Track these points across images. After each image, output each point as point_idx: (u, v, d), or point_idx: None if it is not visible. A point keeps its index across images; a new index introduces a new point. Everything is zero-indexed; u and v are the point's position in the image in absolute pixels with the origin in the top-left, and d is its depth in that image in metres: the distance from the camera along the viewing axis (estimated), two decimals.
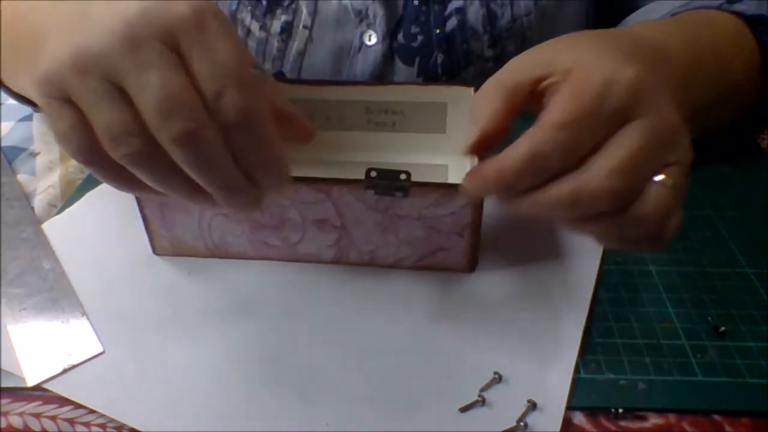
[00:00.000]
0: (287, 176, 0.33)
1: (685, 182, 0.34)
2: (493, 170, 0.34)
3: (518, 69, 0.36)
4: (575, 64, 0.34)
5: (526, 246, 0.45)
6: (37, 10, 0.39)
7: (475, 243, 0.42)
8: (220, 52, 0.31)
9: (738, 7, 0.51)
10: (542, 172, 0.33)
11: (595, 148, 0.33)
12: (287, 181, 0.34)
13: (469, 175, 0.35)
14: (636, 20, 0.59)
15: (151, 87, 0.30)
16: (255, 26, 0.59)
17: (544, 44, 0.37)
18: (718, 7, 0.51)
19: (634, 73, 0.33)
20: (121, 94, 0.31)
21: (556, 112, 0.33)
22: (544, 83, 0.35)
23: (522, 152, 0.33)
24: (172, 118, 0.30)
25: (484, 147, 0.36)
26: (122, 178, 0.33)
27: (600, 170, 0.32)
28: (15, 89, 0.52)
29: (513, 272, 0.43)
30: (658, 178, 0.33)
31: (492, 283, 0.42)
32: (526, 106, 0.36)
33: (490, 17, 0.58)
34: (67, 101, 0.32)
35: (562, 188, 0.33)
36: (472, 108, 0.36)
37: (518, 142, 0.33)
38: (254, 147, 0.32)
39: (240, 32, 0.61)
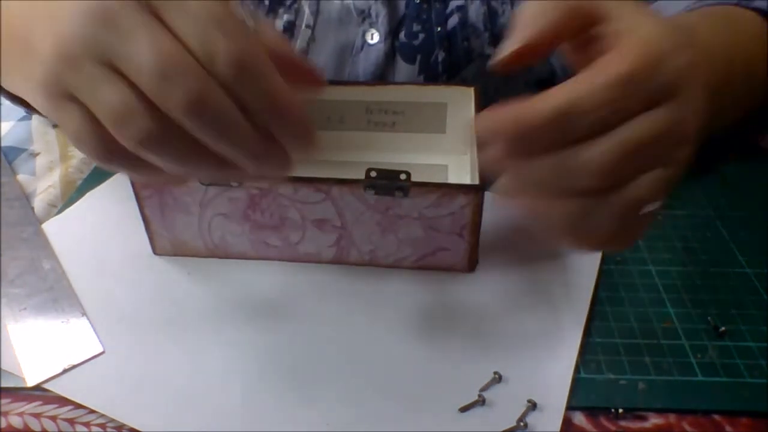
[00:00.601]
0: (308, 125, 0.31)
1: (674, 185, 0.32)
2: (513, 115, 0.29)
3: None
4: (641, 26, 0.31)
5: (526, 246, 0.45)
6: (17, 12, 0.36)
7: (475, 243, 0.42)
8: (195, 3, 0.28)
9: (757, 3, 0.50)
10: (567, 131, 0.29)
11: (626, 119, 0.29)
12: (310, 131, 0.31)
13: (483, 114, 0.30)
14: None
15: (141, 57, 0.28)
16: None
17: None
18: (737, 3, 0.50)
19: (691, 59, 0.30)
20: (116, 74, 0.29)
21: (611, 68, 0.29)
22: (603, 28, 0.32)
23: (557, 102, 0.29)
24: (173, 83, 0.28)
25: (521, 61, 0.32)
26: (142, 167, 0.31)
27: (604, 142, 0.29)
28: (12, 91, 0.52)
29: (513, 272, 0.43)
30: (657, 170, 0.31)
31: (492, 283, 0.42)
32: (571, 39, 0.33)
33: (491, 15, 0.58)
34: (69, 98, 0.30)
35: (557, 154, 0.30)
36: (521, 15, 0.32)
37: (552, 92, 0.29)
38: (261, 95, 0.29)
39: None
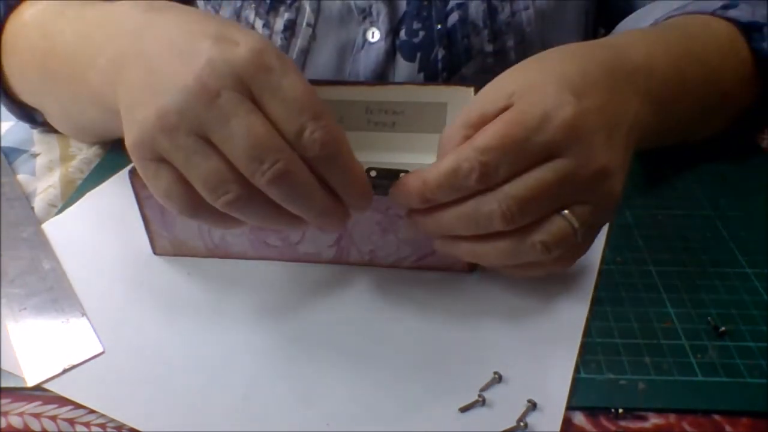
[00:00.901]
0: (370, 192, 0.36)
1: (598, 222, 0.37)
2: (415, 182, 0.36)
3: (484, 102, 0.37)
4: (524, 92, 0.35)
5: None
6: (93, 66, 0.40)
7: None
8: (289, 90, 0.33)
9: (732, 13, 0.52)
10: (459, 189, 0.35)
11: (516, 175, 0.34)
12: (370, 196, 0.36)
13: (395, 184, 0.37)
14: (630, 25, 0.59)
15: (236, 136, 0.32)
16: (258, 24, 0.59)
17: (514, 68, 0.38)
18: (712, 13, 0.52)
19: (573, 113, 0.34)
20: (209, 146, 0.33)
21: (484, 135, 0.34)
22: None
23: (443, 168, 0.35)
24: (264, 162, 0.32)
25: None
26: (226, 221, 0.35)
27: (500, 195, 0.34)
28: (31, 104, 0.55)
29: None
30: (565, 212, 0.35)
31: (492, 283, 0.42)
32: None
33: (491, 12, 0.58)
34: (162, 161, 0.34)
35: (466, 205, 0.35)
36: (440, 148, 0.38)
37: (443, 158, 0.35)
38: (340, 172, 0.34)
39: None
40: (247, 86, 0.32)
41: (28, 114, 0.57)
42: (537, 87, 0.36)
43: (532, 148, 0.34)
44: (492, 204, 0.34)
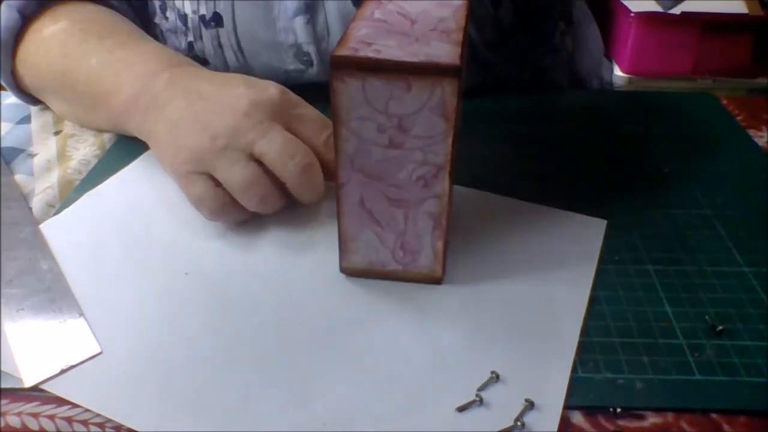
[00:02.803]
0: None
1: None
2: None
3: None
4: None
5: (523, 245, 0.45)
6: (117, 94, 0.50)
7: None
8: (311, 116, 0.46)
9: None
10: None
11: None
12: None
13: None
14: None
15: (275, 143, 0.43)
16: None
17: None
18: None
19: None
20: (250, 156, 0.43)
21: None
22: None
23: None
24: (295, 157, 0.43)
25: None
26: (240, 215, 0.46)
27: None
28: (38, 97, 0.61)
29: (509, 272, 0.43)
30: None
31: (490, 283, 0.42)
32: None
33: None
34: (201, 173, 0.44)
35: None
36: None
37: None
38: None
39: None
40: (279, 115, 0.44)
41: (31, 98, 0.61)
42: None
43: None
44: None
